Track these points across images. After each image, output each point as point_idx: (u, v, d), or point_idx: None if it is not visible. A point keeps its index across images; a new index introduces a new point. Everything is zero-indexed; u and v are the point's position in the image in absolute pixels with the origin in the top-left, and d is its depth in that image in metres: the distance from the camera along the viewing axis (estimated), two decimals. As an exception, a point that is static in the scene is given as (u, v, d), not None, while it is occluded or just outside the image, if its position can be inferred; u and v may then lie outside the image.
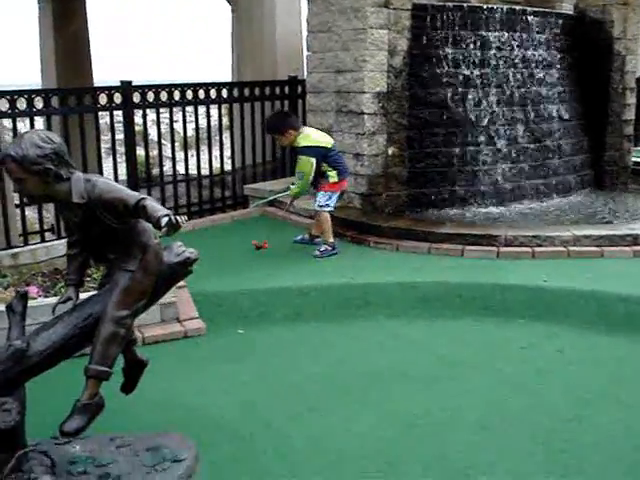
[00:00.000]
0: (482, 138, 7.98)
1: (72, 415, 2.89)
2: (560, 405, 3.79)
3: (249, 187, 8.49)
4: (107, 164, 8.41)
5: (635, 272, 5.84)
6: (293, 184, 6.46)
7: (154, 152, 10.26)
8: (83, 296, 3.18)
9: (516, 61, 8.22)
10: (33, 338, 2.86)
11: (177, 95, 7.81)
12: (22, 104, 6.61)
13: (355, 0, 7.13)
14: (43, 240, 6.95)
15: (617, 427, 3.53)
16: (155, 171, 9.55)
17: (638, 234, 6.41)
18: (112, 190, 2.85)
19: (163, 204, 6.15)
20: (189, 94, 7.92)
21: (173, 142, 8.12)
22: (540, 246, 6.29)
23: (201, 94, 8.02)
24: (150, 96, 7.57)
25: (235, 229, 7.45)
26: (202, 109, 8.32)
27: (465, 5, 7.94)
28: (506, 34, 8.10)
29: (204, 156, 8.57)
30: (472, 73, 7.89)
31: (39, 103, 6.75)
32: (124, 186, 3.00)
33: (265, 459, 3.24)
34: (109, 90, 7.28)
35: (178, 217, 2.70)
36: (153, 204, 2.78)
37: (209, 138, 8.51)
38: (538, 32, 8.46)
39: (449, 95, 7.78)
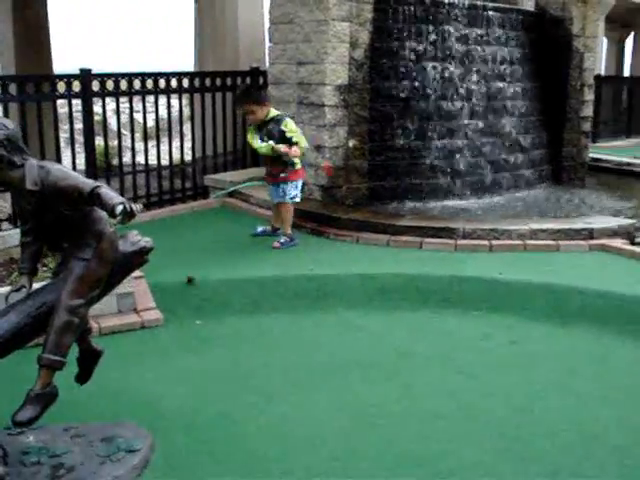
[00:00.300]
0: (442, 132, 8.04)
1: (25, 405, 2.86)
2: (514, 395, 3.84)
3: (209, 178, 8.44)
4: (66, 154, 8.31)
5: (590, 265, 5.95)
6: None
7: (114, 142, 10.14)
8: (38, 285, 3.14)
9: (477, 56, 8.30)
10: (-15, 327, 2.83)
11: (137, 84, 7.73)
12: (-21, 91, 6.49)
13: (317, -8, 7.14)
14: (-1, 229, 6.84)
15: (569, 417, 3.59)
16: (115, 161, 9.44)
17: (594, 228, 6.52)
18: (67, 177, 2.83)
19: (122, 194, 6.09)
20: (149, 83, 7.84)
21: (133, 132, 8.04)
22: (497, 239, 6.36)
23: (162, 83, 7.95)
24: (110, 85, 7.48)
25: (195, 220, 7.41)
26: (163, 99, 8.25)
27: (427, -1, 7.99)
28: (467, 29, 8.17)
29: (164, 147, 8.50)
30: (433, 67, 7.94)
31: (-4, 90, 6.63)
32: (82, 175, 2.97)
33: (220, 448, 3.24)
34: (68, 78, 7.17)
35: (133, 205, 2.68)
36: (108, 192, 2.76)
37: (169, 128, 8.45)
38: (499, 27, 8.54)
39: (410, 88, 7.82)
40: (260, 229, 6.71)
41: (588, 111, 9.67)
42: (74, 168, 7.09)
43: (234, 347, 4.49)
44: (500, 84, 8.62)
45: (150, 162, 8.33)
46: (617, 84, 17.19)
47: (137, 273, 4.70)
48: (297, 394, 3.82)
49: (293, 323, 4.89)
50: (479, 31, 8.32)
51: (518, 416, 3.60)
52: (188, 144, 8.90)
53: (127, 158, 8.68)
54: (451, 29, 8.03)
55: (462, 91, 8.18)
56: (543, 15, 9.43)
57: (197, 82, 8.38)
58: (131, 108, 7.87)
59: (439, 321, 4.96)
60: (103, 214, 2.93)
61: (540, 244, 6.35)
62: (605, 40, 21.75)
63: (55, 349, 2.86)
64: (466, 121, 8.22)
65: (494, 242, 6.33)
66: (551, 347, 4.54)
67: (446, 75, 8.05)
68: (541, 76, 9.35)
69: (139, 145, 8.74)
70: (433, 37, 7.92)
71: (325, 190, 7.41)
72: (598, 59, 14.47)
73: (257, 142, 6.32)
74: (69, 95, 7.21)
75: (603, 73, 18.76)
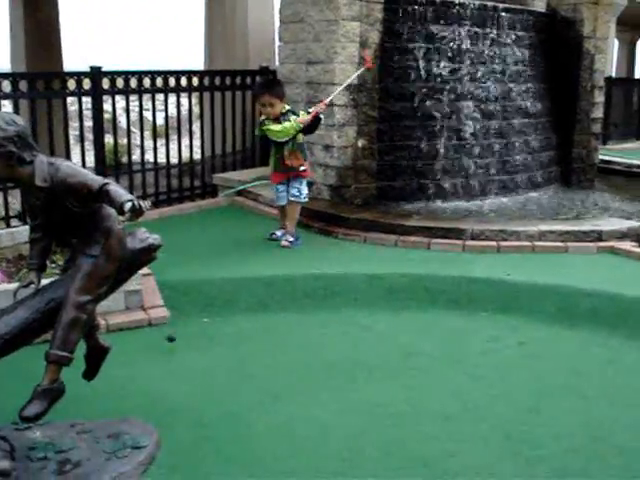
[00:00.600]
0: (451, 132, 8.03)
1: (32, 400, 2.87)
2: (520, 396, 3.83)
3: (218, 176, 8.45)
4: (75, 151, 8.33)
5: (599, 267, 5.92)
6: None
7: (123, 140, 10.18)
8: (47, 281, 3.15)
9: (487, 57, 8.28)
10: (-7, 322, 2.84)
11: (147, 82, 7.74)
12: (-11, 87, 6.52)
13: (328, -8, 7.14)
14: (8, 226, 6.86)
15: (576, 418, 3.58)
16: (124, 159, 9.47)
17: (602, 230, 6.50)
18: (76, 174, 2.84)
19: (131, 192, 6.10)
20: (159, 82, 7.85)
21: (142, 130, 8.06)
22: (506, 240, 6.35)
23: (171, 82, 7.96)
24: (120, 82, 7.50)
25: (203, 218, 7.42)
26: (173, 97, 8.26)
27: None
28: (477, 29, 8.15)
29: (173, 145, 8.51)
30: (443, 67, 7.92)
31: (7, 87, 6.66)
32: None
33: (226, 446, 3.23)
34: (78, 75, 7.19)
35: (142, 202, 2.69)
36: (117, 189, 2.77)
37: (179, 127, 8.46)
38: (509, 28, 8.52)
39: (420, 89, 7.81)
40: (279, 233, 6.45)
41: (598, 113, 9.63)
42: (83, 165, 7.10)
43: (241, 345, 4.49)
44: (510, 85, 8.59)
45: (159, 160, 8.36)
46: (628, 86, 17.15)
47: (145, 270, 4.71)
48: (303, 393, 3.82)
49: (300, 322, 4.89)
50: (489, 32, 8.29)
51: (525, 417, 3.59)
52: (197, 143, 8.91)
53: (136, 156, 8.72)
54: (461, 30, 8.01)
55: (472, 92, 8.16)
56: (554, 16, 9.39)
57: (207, 81, 8.39)
58: (141, 106, 7.88)
59: (446, 322, 4.95)
60: (112, 211, 2.94)
61: (548, 245, 6.33)
62: (616, 42, 21.72)
63: (62, 345, 2.87)
64: (475, 122, 8.20)
65: (502, 243, 6.32)
66: (559, 349, 4.53)
67: (456, 75, 8.03)
68: (551, 77, 9.32)
69: (148, 143, 8.77)
70: (443, 37, 7.90)
71: (333, 189, 7.41)
72: (609, 61, 14.42)
73: (276, 126, 6.12)
74: (79, 93, 7.23)
75: (614, 75, 18.70)
